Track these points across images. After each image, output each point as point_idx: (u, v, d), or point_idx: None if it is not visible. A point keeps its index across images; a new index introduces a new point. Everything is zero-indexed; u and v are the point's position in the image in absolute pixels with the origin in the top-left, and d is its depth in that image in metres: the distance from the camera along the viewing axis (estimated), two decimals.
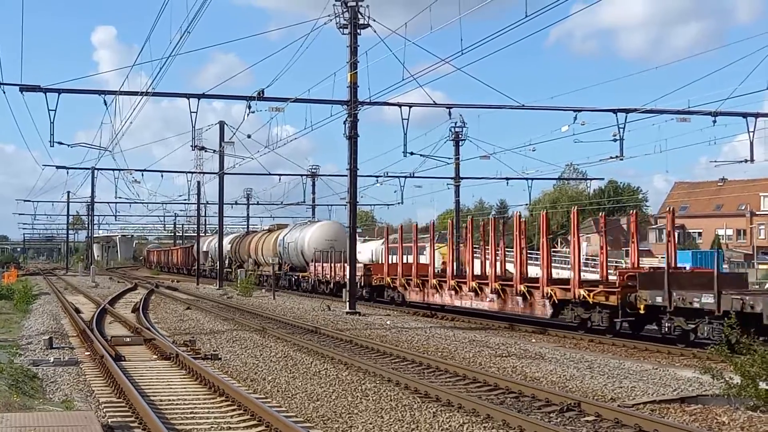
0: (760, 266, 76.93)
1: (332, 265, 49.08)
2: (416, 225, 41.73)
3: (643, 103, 40.32)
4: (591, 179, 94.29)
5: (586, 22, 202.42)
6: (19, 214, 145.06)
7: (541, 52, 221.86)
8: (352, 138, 36.71)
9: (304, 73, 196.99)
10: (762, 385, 13.90)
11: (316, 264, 52.62)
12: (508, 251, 31.79)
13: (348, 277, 37.86)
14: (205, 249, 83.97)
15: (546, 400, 14.77)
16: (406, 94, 74.76)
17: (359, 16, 35.82)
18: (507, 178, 58.30)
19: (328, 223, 59.82)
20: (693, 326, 22.10)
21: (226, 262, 72.65)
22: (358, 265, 41.87)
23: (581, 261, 30.34)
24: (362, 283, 43.11)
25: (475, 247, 36.55)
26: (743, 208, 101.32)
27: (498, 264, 31.79)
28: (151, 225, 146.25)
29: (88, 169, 72.33)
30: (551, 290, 27.69)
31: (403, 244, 44.62)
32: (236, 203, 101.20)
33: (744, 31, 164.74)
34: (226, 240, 74.41)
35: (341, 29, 35.95)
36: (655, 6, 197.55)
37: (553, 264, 32.96)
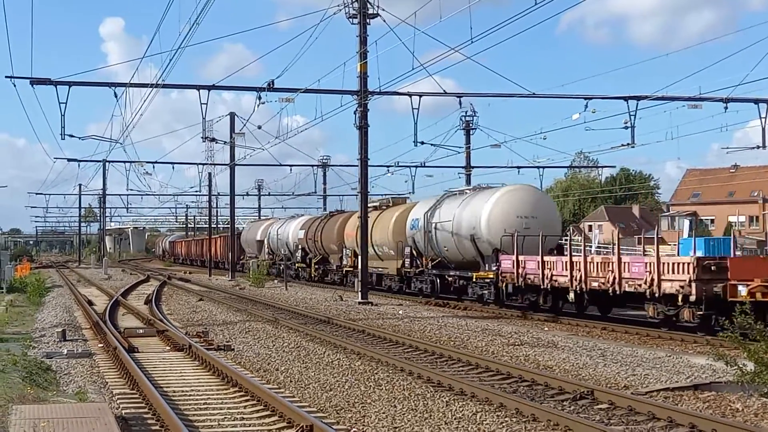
0: None
1: (545, 260, 28.33)
2: None
3: (654, 90, 40.09)
4: (602, 167, 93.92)
5: (598, 9, 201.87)
6: (32, 207, 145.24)
7: (552, 40, 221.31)
8: (363, 128, 36.67)
9: (314, 63, 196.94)
10: None
11: (505, 257, 30.57)
12: None
13: (361, 267, 37.78)
14: (259, 238, 70.45)
15: (559, 389, 14.75)
16: (417, 83, 74.70)
17: (368, 5, 35.72)
18: (518, 167, 58.16)
19: (516, 189, 33.65)
20: None
21: (298, 254, 58.92)
22: None
23: None
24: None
25: None
26: (756, 194, 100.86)
27: None
28: (163, 217, 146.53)
29: (100, 161, 72.53)
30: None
31: None
32: (247, 194, 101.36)
33: (756, 17, 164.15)
34: (293, 225, 61.85)
35: (350, 19, 35.87)
36: None
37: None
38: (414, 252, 38.97)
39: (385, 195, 64.78)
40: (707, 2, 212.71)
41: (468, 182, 57.07)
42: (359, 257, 38.69)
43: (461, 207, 34.62)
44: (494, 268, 30.95)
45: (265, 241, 67.82)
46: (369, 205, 40.88)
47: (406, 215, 40.38)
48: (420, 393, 14.61)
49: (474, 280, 33.03)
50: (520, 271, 29.48)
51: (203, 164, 74.37)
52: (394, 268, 41.45)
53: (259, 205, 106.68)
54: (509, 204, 32.45)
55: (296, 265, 58.80)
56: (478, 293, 32.94)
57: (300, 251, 58.03)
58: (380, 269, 43.49)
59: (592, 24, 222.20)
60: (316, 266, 55.24)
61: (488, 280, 31.73)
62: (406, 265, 39.82)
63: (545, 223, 31.40)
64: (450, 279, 36.11)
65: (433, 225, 36.46)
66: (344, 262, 47.84)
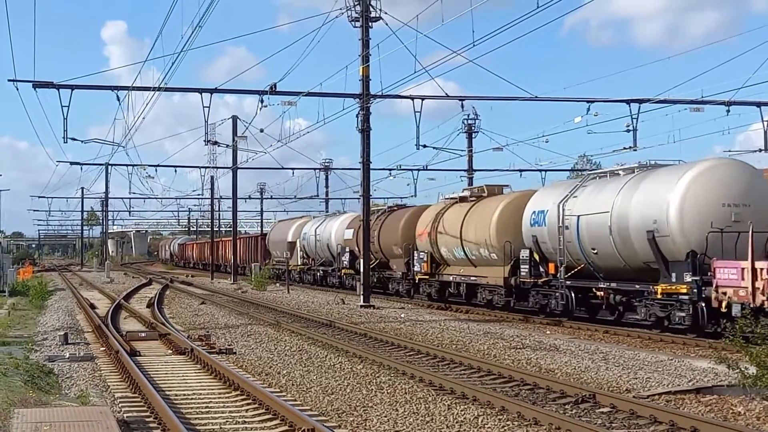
0: None
1: None
2: None
3: (657, 93, 40.07)
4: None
5: (601, 11, 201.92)
6: (34, 210, 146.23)
7: (555, 42, 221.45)
8: (365, 131, 36.69)
9: (316, 66, 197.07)
10: None
11: (724, 263, 21.40)
12: None
13: (363, 270, 37.79)
14: (290, 239, 60.27)
15: (561, 392, 14.74)
16: (419, 86, 74.74)
17: (371, 9, 35.77)
18: (520, 170, 58.12)
19: (719, 164, 24.36)
20: None
21: (344, 259, 47.49)
22: None
23: None
24: None
25: None
26: None
27: None
28: (165, 220, 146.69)
29: (102, 164, 72.54)
30: None
31: None
32: (250, 197, 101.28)
33: (760, 19, 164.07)
34: (335, 224, 51.87)
35: (353, 22, 35.91)
36: None
37: None
38: (537, 255, 29.45)
39: (388, 198, 64.67)
40: (711, 4, 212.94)
41: (470, 185, 57.08)
42: (363, 261, 38.46)
43: (626, 192, 25.17)
44: (691, 279, 22.23)
45: (298, 243, 57.95)
46: (449, 197, 37.82)
47: (521, 206, 30.77)
48: (421, 396, 14.61)
49: (653, 295, 23.61)
50: (760, 285, 19.99)
51: (206, 167, 74.24)
52: (498, 277, 31.54)
53: (262, 209, 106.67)
54: (712, 187, 23.32)
55: (341, 271, 48.60)
56: (657, 314, 23.93)
57: (347, 255, 46.82)
58: (473, 278, 33.72)
59: (595, 26, 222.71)
60: (374, 272, 42.99)
61: (681, 297, 22.71)
62: (522, 274, 29.83)
63: (761, 214, 22.84)
64: (600, 293, 26.68)
65: (575, 218, 27.00)
66: (416, 269, 38.02)
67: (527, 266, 29.57)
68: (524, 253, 29.80)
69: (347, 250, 47.18)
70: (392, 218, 42.93)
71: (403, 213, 42.30)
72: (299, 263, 57.40)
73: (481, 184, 37.38)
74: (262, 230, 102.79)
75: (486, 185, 35.88)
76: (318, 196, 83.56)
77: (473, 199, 35.72)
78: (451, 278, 35.59)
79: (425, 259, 37.11)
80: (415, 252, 38.21)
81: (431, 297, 37.67)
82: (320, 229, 54.58)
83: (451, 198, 37.56)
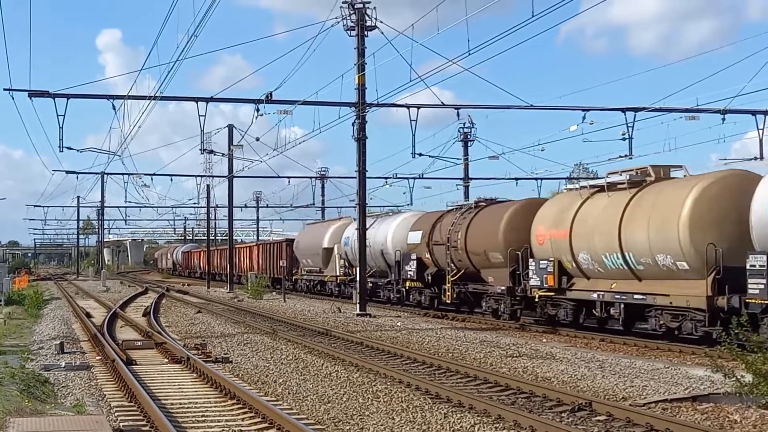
0: None
1: None
2: None
3: (653, 101, 40.08)
4: (600, 179, 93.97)
5: (597, 19, 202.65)
6: (30, 219, 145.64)
7: (551, 50, 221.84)
8: (361, 140, 36.72)
9: (312, 75, 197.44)
10: None
11: None
12: None
13: (359, 278, 37.77)
14: (326, 245, 51.06)
15: (557, 400, 14.74)
16: (415, 95, 74.77)
17: (366, 18, 35.82)
18: (516, 179, 58.22)
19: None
20: None
21: (410, 268, 38.35)
22: None
23: None
24: None
25: None
26: None
27: None
28: (161, 229, 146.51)
29: (98, 173, 72.57)
30: None
31: None
32: (246, 206, 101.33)
33: (756, 28, 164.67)
34: (393, 224, 42.71)
35: (348, 31, 35.96)
36: (666, 2, 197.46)
37: None
38: None
39: (384, 207, 64.58)
40: (707, 12, 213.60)
41: (466, 194, 57.13)
42: (359, 269, 38.36)
43: None
44: None
45: (336, 250, 49.58)
46: (582, 185, 28.10)
47: (738, 191, 21.81)
48: (418, 405, 14.60)
49: None
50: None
51: (201, 176, 74.34)
52: (692, 296, 21.94)
53: (258, 217, 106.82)
54: None
55: (405, 284, 39.09)
56: None
57: (412, 263, 37.78)
58: (637, 296, 24.02)
59: (591, 34, 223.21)
60: (456, 286, 34.33)
61: None
62: (754, 291, 19.98)
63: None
64: None
65: None
66: (533, 282, 28.33)
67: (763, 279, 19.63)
68: (759, 260, 19.84)
69: (413, 257, 37.85)
70: (486, 216, 32.70)
71: (503, 209, 32.04)
72: (339, 274, 48.57)
73: (643, 165, 25.83)
74: (258, 238, 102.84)
75: (651, 165, 25.55)
76: (314, 204, 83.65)
77: (632, 185, 25.22)
78: (594, 296, 25.57)
79: (550, 269, 27.35)
80: (531, 260, 28.56)
81: (558, 321, 28.05)
82: (371, 232, 43.16)
83: (591, 186, 27.56)
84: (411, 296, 39.35)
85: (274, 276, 62.54)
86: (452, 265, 34.16)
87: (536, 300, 28.60)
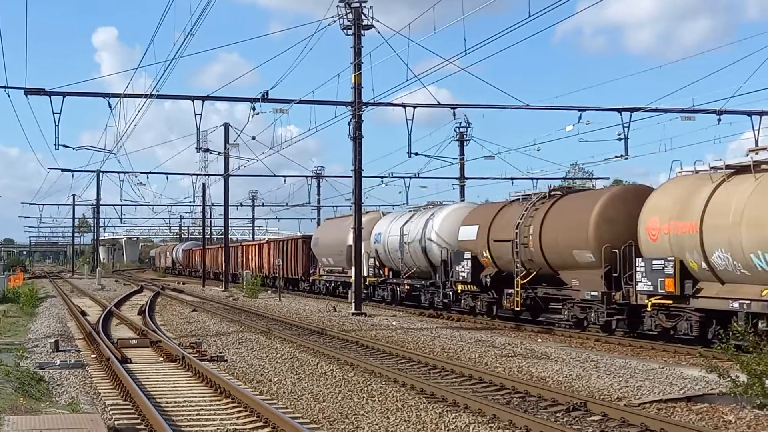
0: None
1: None
2: None
3: (648, 101, 40.07)
4: (597, 178, 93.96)
5: (593, 18, 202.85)
6: (25, 217, 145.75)
7: (548, 50, 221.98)
8: (357, 139, 36.71)
9: (308, 73, 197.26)
10: None
11: None
12: None
13: (355, 277, 37.74)
14: (351, 242, 40.90)
15: (552, 400, 14.75)
16: (411, 94, 74.87)
17: (363, 17, 35.82)
18: (512, 178, 58.21)
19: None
20: None
21: (462, 268, 33.07)
22: None
23: None
24: None
25: None
26: None
27: None
28: (157, 227, 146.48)
29: (94, 171, 72.45)
30: None
31: None
32: (241, 205, 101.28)
33: (753, 27, 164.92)
34: (438, 218, 36.69)
35: (345, 30, 35.96)
36: (663, 1, 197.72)
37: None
38: None
39: (379, 206, 64.47)
40: (704, 11, 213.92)
41: (462, 194, 57.16)
42: (355, 268, 38.29)
43: None
44: None
45: (363, 247, 40.57)
46: (713, 165, 22.24)
47: None
48: (413, 404, 14.60)
49: None
50: None
51: (197, 174, 74.24)
52: None
53: (253, 216, 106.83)
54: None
55: (457, 287, 33.75)
56: None
57: (466, 263, 32.71)
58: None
59: (588, 33, 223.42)
60: (526, 290, 29.20)
61: None
62: None
63: None
64: None
65: None
66: (642, 287, 23.31)
67: None
68: None
69: (467, 256, 32.62)
70: (568, 206, 27.74)
71: (592, 197, 26.89)
72: (368, 274, 43.31)
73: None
74: (253, 237, 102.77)
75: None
76: (310, 203, 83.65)
77: None
78: (734, 305, 20.50)
79: (668, 271, 22.41)
80: (639, 260, 23.56)
81: (674, 335, 23.10)
82: (410, 227, 38.46)
83: (727, 166, 21.77)
84: (463, 301, 33.82)
85: (288, 276, 58.83)
86: (520, 265, 29.03)
87: (646, 309, 23.31)
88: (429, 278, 37.23)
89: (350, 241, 41.91)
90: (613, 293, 24.63)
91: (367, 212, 44.93)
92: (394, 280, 41.13)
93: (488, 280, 31.42)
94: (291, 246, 58.35)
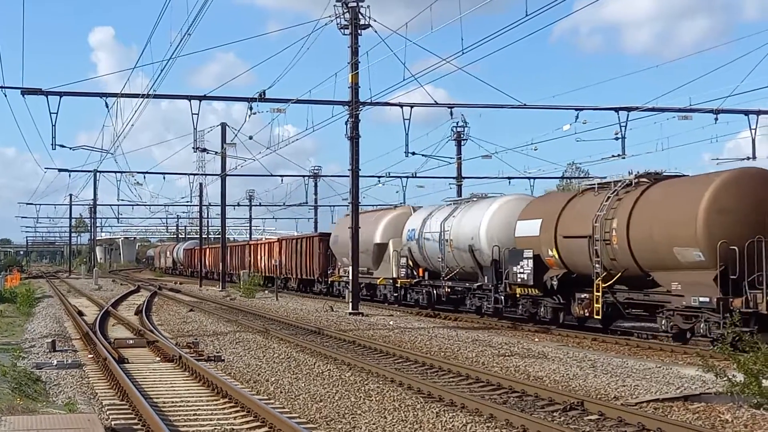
0: None
1: None
2: None
3: (646, 100, 40.05)
4: (593, 178, 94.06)
5: (591, 18, 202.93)
6: (22, 217, 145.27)
7: (545, 49, 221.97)
8: (354, 139, 36.69)
9: (305, 73, 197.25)
10: (765, 383, 13.87)
11: None
12: None
13: (352, 277, 37.73)
14: (379, 239, 40.96)
15: (549, 399, 14.76)
16: (408, 94, 74.87)
17: (360, 16, 35.81)
18: (509, 178, 58.23)
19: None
20: None
21: (518, 268, 28.82)
22: None
23: None
24: None
25: None
26: None
27: None
28: (154, 227, 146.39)
29: (90, 171, 72.42)
30: None
31: None
32: (238, 204, 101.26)
33: (751, 26, 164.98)
34: (488, 213, 32.24)
35: (342, 30, 35.94)
36: (661, 0, 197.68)
37: None
38: None
39: (377, 205, 64.31)
40: (701, 11, 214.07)
41: (459, 193, 57.15)
42: (352, 267, 38.17)
43: None
44: None
45: (391, 246, 39.92)
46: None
47: None
48: (410, 404, 14.60)
49: None
50: None
51: (194, 174, 74.27)
52: None
53: (250, 216, 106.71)
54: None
55: (514, 290, 29.41)
56: None
57: (526, 262, 28.30)
58: None
59: (585, 33, 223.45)
60: (604, 295, 24.94)
61: None
62: None
63: None
64: None
65: None
66: None
67: None
68: None
69: (527, 255, 28.33)
70: (664, 195, 23.64)
71: (699, 184, 22.67)
72: (398, 275, 39.05)
73: None
74: (251, 237, 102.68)
75: None
76: (307, 203, 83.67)
77: None
78: None
79: None
80: None
81: None
82: (452, 222, 34.28)
83: None
84: (521, 306, 29.51)
85: (302, 277, 55.36)
86: (600, 265, 24.83)
87: None
88: (474, 280, 32.78)
89: (378, 238, 40.89)
90: (731, 299, 20.44)
91: (395, 207, 42.64)
92: (431, 282, 36.70)
93: (554, 282, 27.11)
94: (306, 244, 54.28)
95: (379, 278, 41.26)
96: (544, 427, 12.24)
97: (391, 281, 39.94)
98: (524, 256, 28.39)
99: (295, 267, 55.63)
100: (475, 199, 35.19)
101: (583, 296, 26.02)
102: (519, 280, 28.65)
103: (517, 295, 29.32)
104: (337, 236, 47.45)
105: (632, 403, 14.38)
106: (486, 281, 31.46)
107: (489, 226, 31.63)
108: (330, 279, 49.10)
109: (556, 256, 27.06)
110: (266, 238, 73.37)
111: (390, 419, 13.29)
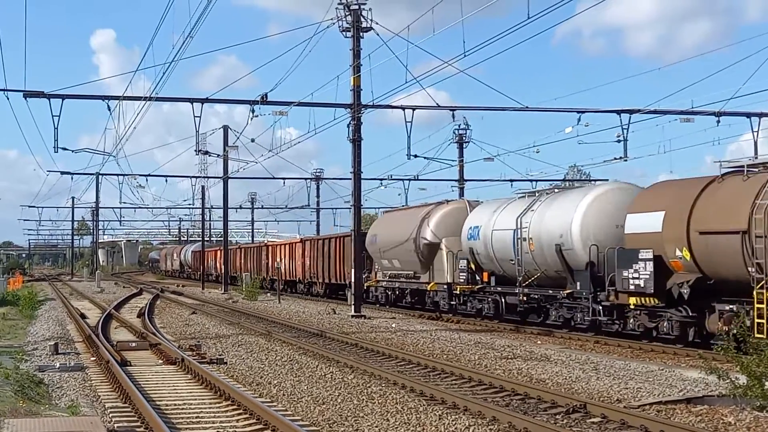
0: None
1: None
2: None
3: (648, 103, 40.03)
4: (595, 180, 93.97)
5: (593, 20, 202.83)
6: (24, 219, 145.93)
7: (547, 52, 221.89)
8: (356, 141, 36.69)
9: (307, 75, 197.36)
10: None
11: None
12: None
13: (354, 279, 37.68)
14: (429, 238, 35.84)
15: (552, 402, 14.75)
16: (410, 96, 74.89)
17: (362, 19, 35.83)
18: (511, 180, 58.15)
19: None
20: None
21: (630, 273, 23.14)
22: None
23: None
24: None
25: None
26: None
27: None
28: (156, 230, 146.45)
29: (93, 174, 72.45)
30: None
31: None
32: (240, 207, 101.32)
33: (753, 29, 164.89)
34: (582, 201, 26.59)
35: (344, 32, 35.96)
36: (663, 3, 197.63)
37: None
38: None
39: (377, 208, 64.15)
40: (704, 13, 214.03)
41: (461, 196, 57.10)
42: (354, 269, 38.09)
43: None
44: None
45: (444, 245, 35.09)
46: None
47: None
48: (413, 406, 14.59)
49: None
50: None
51: (196, 177, 74.25)
52: None
53: (252, 218, 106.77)
54: None
55: (616, 298, 24.07)
56: None
57: (643, 266, 22.85)
58: None
59: (587, 35, 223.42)
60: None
61: None
62: None
63: None
64: None
65: None
66: None
67: None
68: None
69: (643, 256, 22.86)
70: None
71: None
72: (454, 280, 34.10)
73: None
74: (253, 240, 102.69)
75: None
76: (309, 206, 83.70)
77: None
78: None
79: None
80: None
81: None
82: (532, 218, 28.53)
83: None
84: (632, 320, 23.93)
85: (330, 282, 49.40)
86: (758, 268, 19.56)
87: None
88: (559, 286, 27.39)
89: (429, 236, 35.85)
90: None
91: (446, 201, 38.05)
92: (499, 289, 31.07)
93: (685, 290, 22.07)
94: (336, 245, 48.67)
95: (428, 283, 36.04)
96: (547, 430, 12.24)
97: (445, 287, 34.64)
98: (639, 257, 23.01)
99: (322, 270, 50.83)
100: (557, 191, 29.82)
101: (726, 308, 20.78)
102: (631, 287, 23.17)
103: (630, 306, 23.56)
104: (375, 235, 41.90)
105: (635, 406, 14.36)
106: (578, 288, 25.98)
107: (584, 221, 26.10)
108: (366, 284, 42.39)
109: (688, 257, 21.87)
110: (289, 239, 68.79)
111: (392, 422, 13.29)
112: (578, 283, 25.93)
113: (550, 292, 27.87)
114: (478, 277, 32.50)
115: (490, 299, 31.78)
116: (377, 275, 42.30)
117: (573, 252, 26.22)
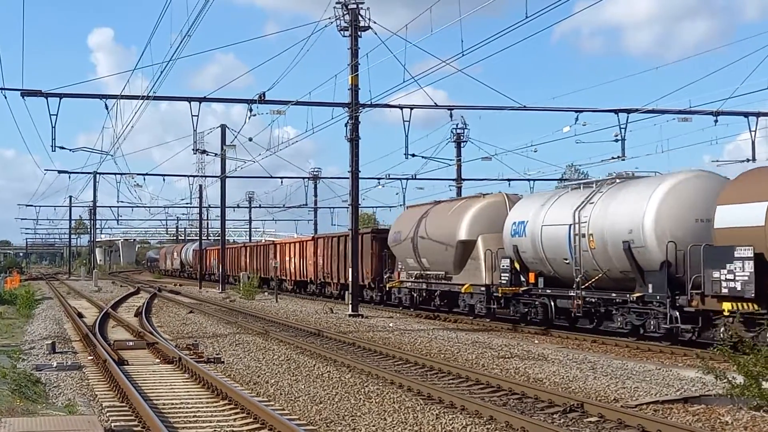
0: None
1: None
2: None
3: (646, 102, 40.04)
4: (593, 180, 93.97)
5: (591, 19, 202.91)
6: (21, 218, 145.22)
7: (545, 51, 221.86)
8: (354, 140, 36.69)
9: (305, 74, 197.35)
10: (765, 385, 13.87)
11: None
12: None
13: (352, 279, 37.69)
14: (462, 236, 32.86)
15: (549, 401, 14.76)
16: (408, 95, 74.93)
17: (360, 18, 35.83)
18: (509, 180, 58.08)
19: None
20: None
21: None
22: None
23: None
24: None
25: None
26: None
27: None
28: (153, 229, 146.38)
29: (90, 173, 72.43)
30: None
31: None
32: (238, 206, 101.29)
33: (752, 28, 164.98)
34: (659, 188, 23.38)
35: (342, 31, 35.96)
36: (661, 2, 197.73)
37: None
38: None
39: (375, 207, 64.14)
40: (702, 12, 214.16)
41: (459, 195, 57.08)
42: (351, 269, 38.15)
43: None
44: None
45: (481, 243, 32.15)
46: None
47: None
48: (410, 406, 14.59)
49: None
50: None
51: (194, 176, 74.23)
52: None
53: (250, 217, 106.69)
54: None
55: (701, 303, 21.15)
56: None
57: (738, 266, 19.87)
58: None
59: (586, 34, 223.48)
60: None
61: None
62: None
63: None
64: None
65: None
66: None
67: None
68: None
69: (740, 254, 19.91)
70: None
71: None
72: (494, 281, 31.16)
73: None
74: (250, 239, 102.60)
75: None
76: (306, 205, 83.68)
77: None
78: None
79: None
80: None
81: None
82: (592, 211, 25.45)
83: None
84: (723, 328, 20.14)
85: (346, 282, 41.59)
86: None
87: None
88: (624, 289, 24.59)
89: (463, 234, 32.78)
90: None
91: (482, 195, 34.52)
92: (549, 291, 28.03)
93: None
94: (357, 244, 42.21)
95: (462, 284, 32.96)
96: (544, 429, 12.24)
97: (482, 289, 31.64)
98: (736, 255, 19.97)
99: (337, 270, 47.69)
100: (619, 180, 26.06)
101: None
102: (725, 290, 20.22)
103: (723, 313, 20.39)
104: (398, 233, 38.91)
105: (632, 405, 14.37)
106: (651, 291, 23.11)
107: (658, 214, 23.07)
108: (389, 285, 40.28)
109: None
110: (297, 237, 65.54)
111: (390, 421, 13.29)
112: (650, 286, 23.12)
113: (614, 295, 24.86)
114: (523, 278, 29.43)
115: (537, 303, 28.65)
116: (401, 275, 39.40)
117: (645, 250, 23.22)
